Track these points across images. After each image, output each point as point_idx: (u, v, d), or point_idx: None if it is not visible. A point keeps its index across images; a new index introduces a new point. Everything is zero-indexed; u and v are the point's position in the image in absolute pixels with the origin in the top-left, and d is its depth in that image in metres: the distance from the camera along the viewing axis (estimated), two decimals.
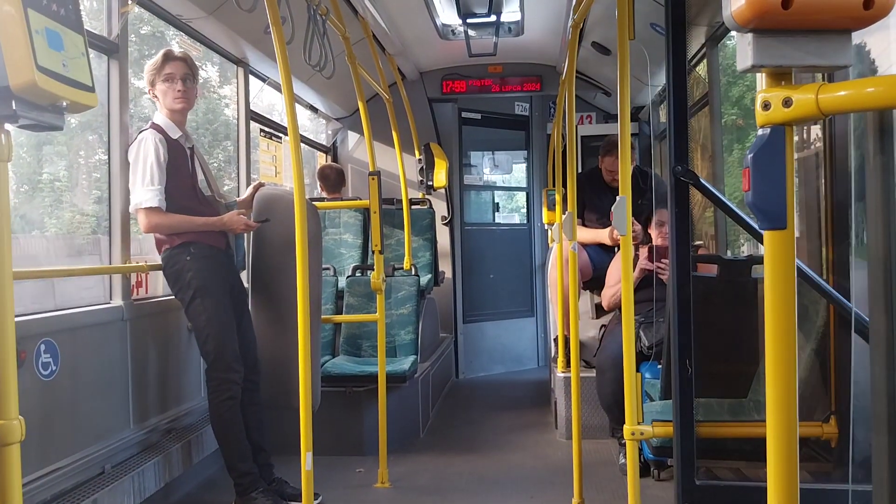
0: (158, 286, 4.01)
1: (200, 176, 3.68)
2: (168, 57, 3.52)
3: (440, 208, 7.16)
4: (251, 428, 3.72)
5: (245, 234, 4.14)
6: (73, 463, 3.09)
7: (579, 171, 6.37)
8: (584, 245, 4.92)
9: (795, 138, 1.32)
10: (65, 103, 1.50)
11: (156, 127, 3.49)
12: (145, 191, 3.38)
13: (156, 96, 3.55)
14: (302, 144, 6.37)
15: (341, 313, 5.38)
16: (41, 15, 1.43)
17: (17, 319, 2.87)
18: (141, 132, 3.50)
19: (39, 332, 2.92)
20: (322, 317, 4.36)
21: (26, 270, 3.49)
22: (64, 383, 3.05)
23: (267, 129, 5.58)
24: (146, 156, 3.39)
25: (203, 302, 3.47)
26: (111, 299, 3.58)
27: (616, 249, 4.78)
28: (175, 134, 3.53)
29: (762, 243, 1.31)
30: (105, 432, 3.35)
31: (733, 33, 1.29)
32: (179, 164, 3.51)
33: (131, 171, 3.45)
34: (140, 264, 3.65)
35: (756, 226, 2.14)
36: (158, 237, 3.52)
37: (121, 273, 3.57)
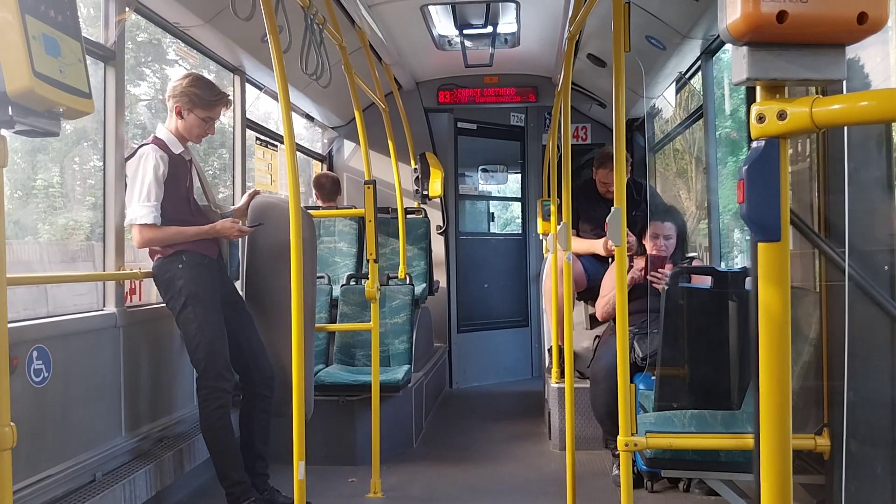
0: (152, 294, 3.99)
1: (197, 185, 3.68)
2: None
3: (435, 218, 7.16)
4: (256, 436, 3.71)
5: (240, 243, 4.13)
6: (65, 470, 3.07)
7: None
8: (579, 255, 4.93)
9: (790, 151, 1.33)
10: (61, 109, 1.50)
11: (157, 142, 3.49)
12: (141, 207, 3.39)
13: (179, 113, 3.52)
14: (297, 153, 6.38)
15: (335, 322, 5.37)
16: (39, 21, 1.43)
17: (9, 325, 2.86)
18: (142, 146, 3.48)
19: (32, 339, 2.91)
20: (316, 325, 4.35)
21: (20, 276, 3.48)
22: (56, 390, 3.03)
23: (263, 137, 5.58)
24: (145, 172, 3.40)
25: (194, 310, 3.47)
26: (104, 306, 3.56)
27: (610, 260, 4.79)
28: (177, 149, 3.54)
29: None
30: (97, 440, 3.33)
31: (727, 46, 1.31)
32: (178, 178, 3.52)
33: (129, 185, 3.45)
34: (134, 271, 3.64)
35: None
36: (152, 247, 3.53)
37: (114, 280, 3.56)
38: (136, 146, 3.53)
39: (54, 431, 3.04)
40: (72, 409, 3.16)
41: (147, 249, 3.56)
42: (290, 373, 3.05)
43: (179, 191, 3.53)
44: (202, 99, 3.51)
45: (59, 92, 1.46)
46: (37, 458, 2.92)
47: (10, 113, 1.42)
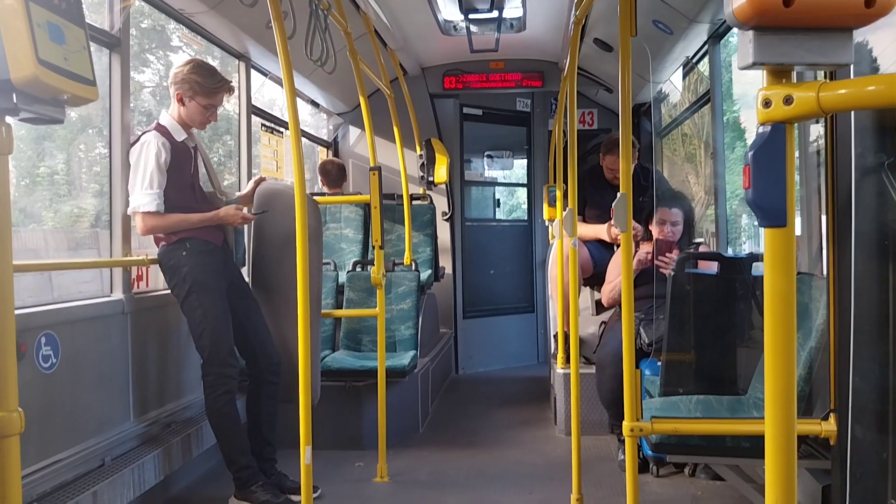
0: (159, 280, 4.00)
1: (202, 171, 3.68)
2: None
3: (441, 204, 7.16)
4: (263, 421, 3.74)
5: (245, 230, 4.14)
6: (74, 455, 3.10)
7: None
8: (585, 241, 4.92)
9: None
10: (66, 97, 1.50)
11: (160, 129, 3.48)
12: (143, 194, 3.39)
13: (181, 100, 3.51)
14: (303, 139, 6.37)
15: (341, 308, 5.39)
16: (43, 8, 1.43)
17: (18, 312, 2.87)
18: (144, 133, 3.48)
19: (40, 325, 2.93)
20: (322, 311, 4.36)
21: (27, 263, 3.50)
22: (64, 376, 3.05)
23: (268, 123, 5.58)
24: (147, 160, 3.39)
25: (199, 297, 3.48)
26: (112, 292, 3.58)
27: (616, 246, 4.78)
28: (180, 136, 3.52)
29: None
30: (105, 425, 3.36)
31: (735, 30, 1.30)
32: (182, 165, 3.51)
33: (132, 173, 3.45)
34: (141, 258, 3.66)
35: None
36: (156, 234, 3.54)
37: (121, 266, 3.57)
38: (139, 133, 3.52)
39: (63, 417, 3.07)
40: (80, 395, 3.18)
41: (152, 236, 3.57)
42: (296, 358, 3.06)
43: (183, 178, 3.53)
44: (203, 86, 3.48)
45: (64, 79, 1.46)
46: (46, 443, 2.95)
47: (15, 101, 1.42)
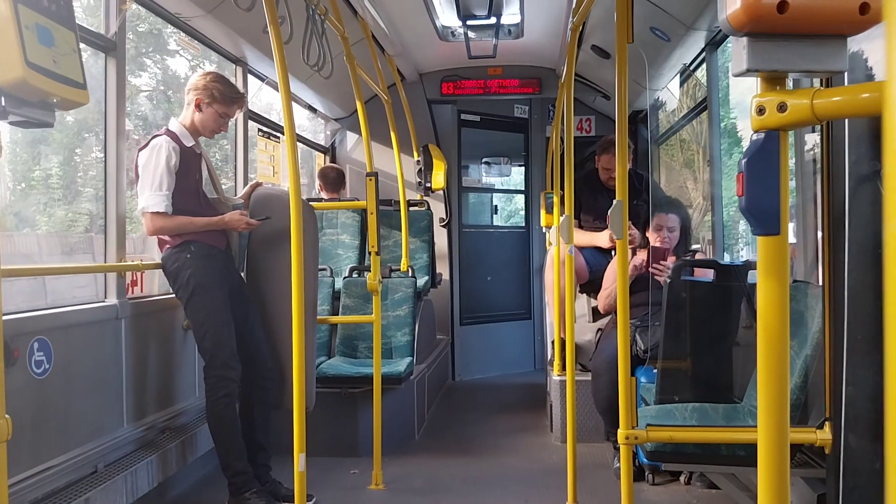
0: (154, 285, 3.99)
1: (206, 178, 3.71)
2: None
3: (438, 210, 7.15)
4: (257, 427, 3.74)
5: (247, 235, 4.14)
6: (66, 461, 3.08)
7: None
8: (581, 248, 4.91)
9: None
10: (55, 100, 1.49)
11: (170, 134, 3.53)
12: (153, 195, 3.43)
13: (198, 106, 3.56)
14: (300, 144, 6.36)
15: (338, 314, 5.37)
16: (32, 11, 1.42)
17: (10, 317, 2.86)
18: (155, 137, 3.53)
19: (33, 330, 2.91)
20: (318, 317, 4.35)
21: (18, 268, 3.48)
22: (57, 381, 3.04)
23: (265, 128, 5.57)
24: (158, 162, 3.44)
25: (202, 300, 3.51)
26: (106, 298, 3.57)
27: (612, 253, 4.78)
28: (189, 142, 3.58)
29: None
30: (98, 431, 3.34)
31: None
32: (189, 170, 3.56)
33: (141, 175, 3.49)
34: (136, 263, 3.65)
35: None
36: (161, 237, 3.56)
37: (116, 271, 3.56)
38: (150, 137, 3.57)
39: (56, 423, 3.05)
40: (73, 401, 3.16)
41: (157, 241, 3.59)
42: (290, 364, 3.05)
43: (189, 183, 3.57)
44: (224, 94, 3.57)
45: (53, 82, 1.45)
46: (38, 449, 2.93)
47: (3, 103, 1.41)
